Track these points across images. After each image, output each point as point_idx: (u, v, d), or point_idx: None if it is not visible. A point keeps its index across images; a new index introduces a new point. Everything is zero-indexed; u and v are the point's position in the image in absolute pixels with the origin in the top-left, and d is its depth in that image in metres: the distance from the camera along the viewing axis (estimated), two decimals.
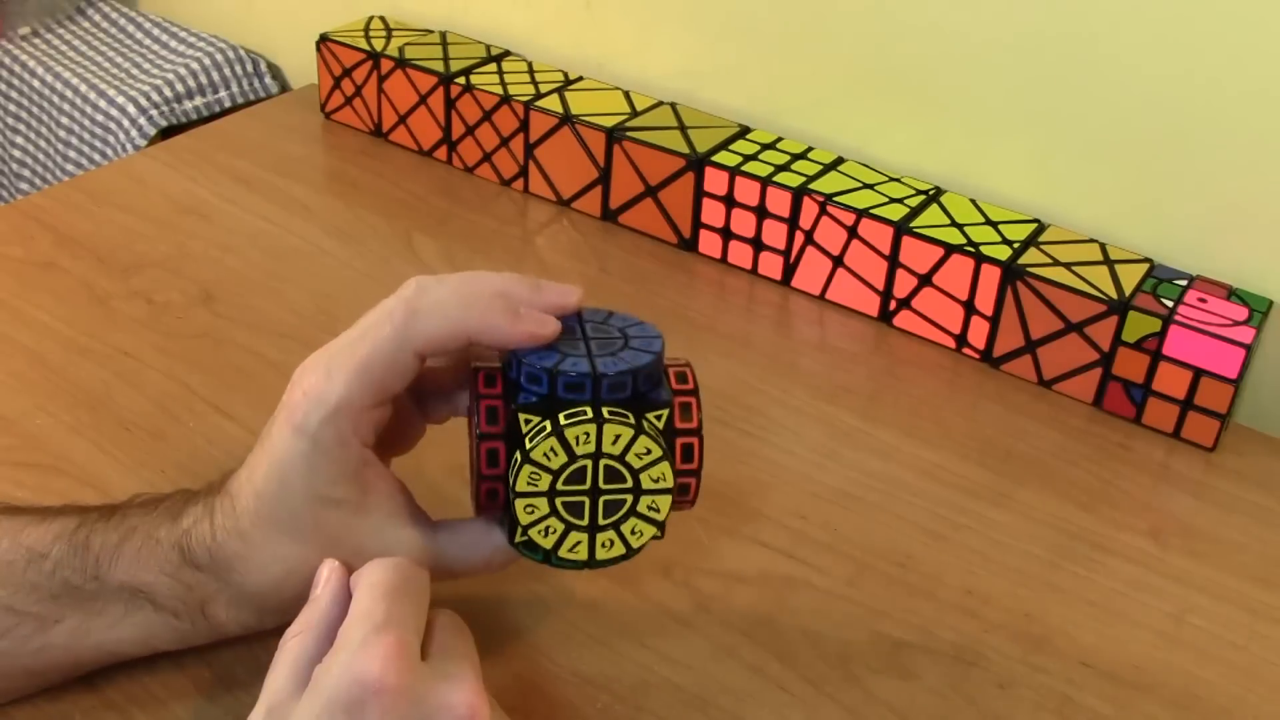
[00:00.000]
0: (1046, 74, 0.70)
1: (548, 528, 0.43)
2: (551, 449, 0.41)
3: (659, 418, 0.43)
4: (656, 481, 0.42)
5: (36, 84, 1.06)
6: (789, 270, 0.75)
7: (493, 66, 0.86)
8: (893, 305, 0.72)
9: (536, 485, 0.42)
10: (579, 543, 0.43)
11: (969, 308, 0.69)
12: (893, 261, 0.71)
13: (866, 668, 0.51)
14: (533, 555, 0.44)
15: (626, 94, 0.83)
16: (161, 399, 0.62)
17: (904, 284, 0.71)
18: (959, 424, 0.66)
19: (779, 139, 0.78)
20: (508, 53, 0.88)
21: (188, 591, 0.44)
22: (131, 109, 0.99)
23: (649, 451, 0.42)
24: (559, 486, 0.42)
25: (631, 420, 0.41)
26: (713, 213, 0.76)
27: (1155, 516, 0.60)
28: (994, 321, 0.68)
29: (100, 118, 1.01)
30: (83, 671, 0.46)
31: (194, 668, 0.48)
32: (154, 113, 0.99)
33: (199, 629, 0.45)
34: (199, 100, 1.03)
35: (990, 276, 0.67)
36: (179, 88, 1.02)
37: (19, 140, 1.10)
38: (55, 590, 0.43)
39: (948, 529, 0.58)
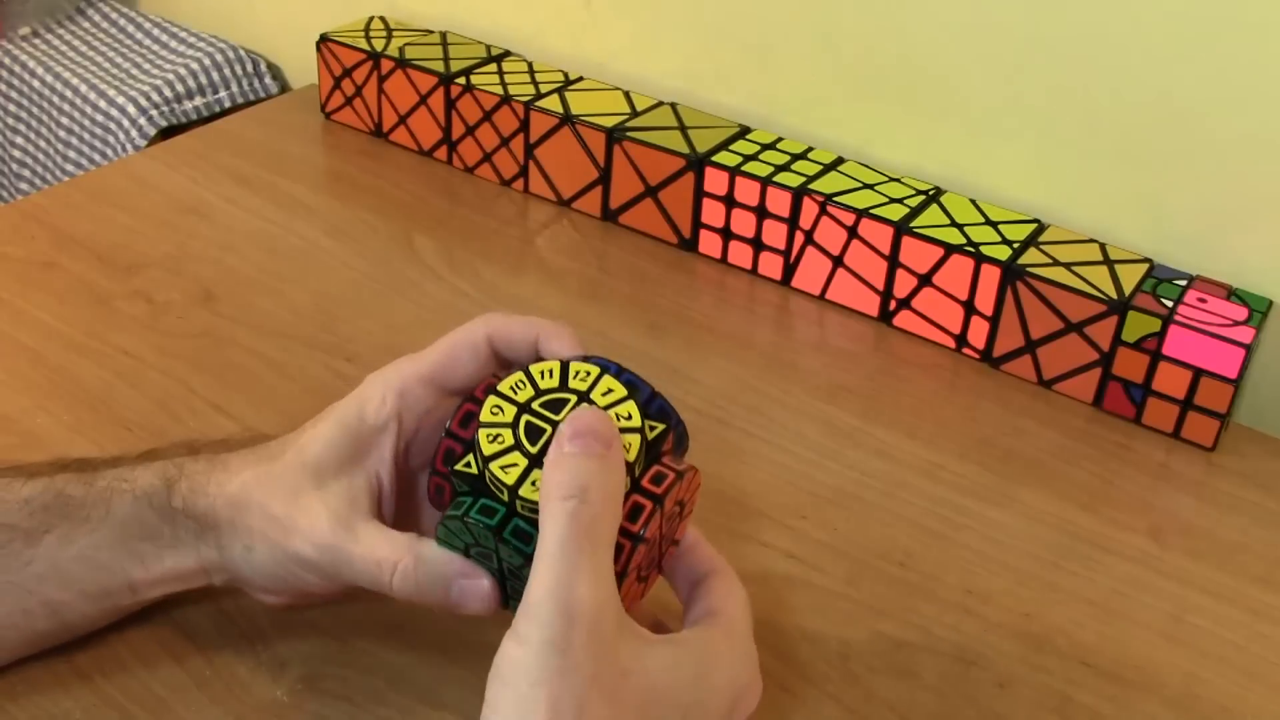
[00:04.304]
0: (1046, 74, 0.70)
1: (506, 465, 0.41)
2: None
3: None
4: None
5: (36, 84, 1.06)
6: (789, 270, 0.75)
7: (493, 67, 0.86)
8: (893, 305, 0.72)
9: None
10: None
11: (969, 308, 0.69)
12: (893, 261, 0.71)
13: (866, 667, 0.51)
14: (487, 520, 0.41)
15: (626, 94, 0.83)
16: (161, 399, 0.62)
17: (904, 284, 0.71)
18: (959, 424, 0.66)
19: (779, 139, 0.78)
20: (508, 53, 0.88)
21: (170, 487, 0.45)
22: (131, 109, 0.99)
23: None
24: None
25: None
26: (713, 213, 0.76)
27: (1155, 516, 0.60)
28: (994, 321, 0.68)
29: (100, 118, 1.01)
30: (66, 602, 0.45)
31: (196, 666, 0.48)
32: (154, 113, 0.99)
33: (181, 532, 0.45)
34: (199, 100, 1.03)
35: (990, 276, 0.67)
36: (179, 88, 1.02)
37: (19, 140, 1.10)
38: (46, 501, 0.45)
39: (947, 528, 0.58)
